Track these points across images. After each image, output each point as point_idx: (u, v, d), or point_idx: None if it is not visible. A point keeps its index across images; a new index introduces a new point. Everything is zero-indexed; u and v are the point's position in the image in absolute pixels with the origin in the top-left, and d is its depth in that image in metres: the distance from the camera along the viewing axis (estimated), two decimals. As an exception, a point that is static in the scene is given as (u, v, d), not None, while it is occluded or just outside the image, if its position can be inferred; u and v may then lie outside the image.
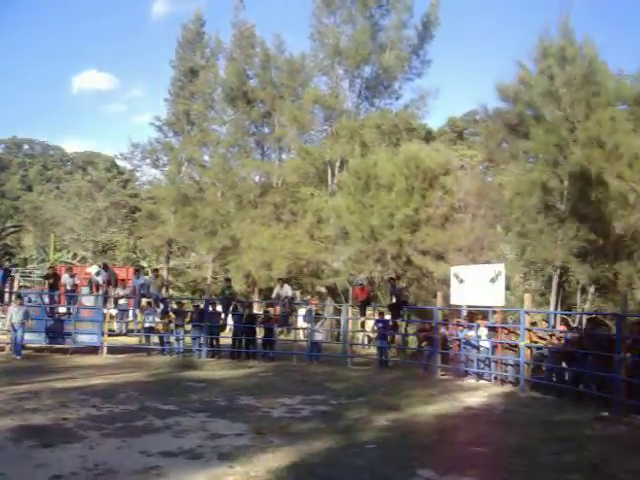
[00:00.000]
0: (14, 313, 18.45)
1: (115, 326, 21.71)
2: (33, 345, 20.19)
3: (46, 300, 20.90)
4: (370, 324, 20.93)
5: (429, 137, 42.21)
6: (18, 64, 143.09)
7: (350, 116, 33.59)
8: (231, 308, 21.00)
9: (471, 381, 15.62)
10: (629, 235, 24.35)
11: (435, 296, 19.61)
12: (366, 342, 23.46)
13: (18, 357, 18.09)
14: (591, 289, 27.43)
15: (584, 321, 18.16)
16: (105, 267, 22.12)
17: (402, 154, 28.51)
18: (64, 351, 19.68)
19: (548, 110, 25.98)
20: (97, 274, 21.60)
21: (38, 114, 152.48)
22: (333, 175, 33.42)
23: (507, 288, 20.92)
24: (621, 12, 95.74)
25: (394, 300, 19.09)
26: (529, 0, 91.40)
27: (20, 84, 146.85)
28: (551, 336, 14.88)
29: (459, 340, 16.78)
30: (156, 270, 24.68)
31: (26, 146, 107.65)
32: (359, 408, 11.34)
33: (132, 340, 21.83)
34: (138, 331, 21.74)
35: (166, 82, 42.07)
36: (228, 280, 23.56)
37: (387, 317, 19.64)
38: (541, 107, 26.10)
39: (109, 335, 20.58)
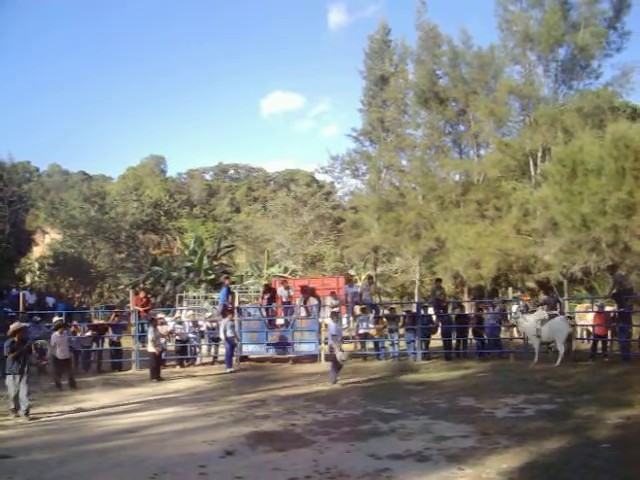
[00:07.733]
0: (227, 326, 19.28)
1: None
2: (255, 356, 21.30)
3: (264, 313, 21.98)
4: (588, 317, 19.87)
5: (634, 115, 39.23)
6: (214, 96, 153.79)
7: (548, 102, 32.18)
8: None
9: None
10: None
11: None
12: (585, 336, 22.20)
13: (229, 370, 18.87)
14: None
15: None
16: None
17: (609, 135, 26.77)
18: (284, 360, 20.55)
19: None
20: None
21: (238, 139, 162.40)
22: (535, 165, 32.22)
23: None
24: None
25: (615, 290, 17.80)
26: None
27: (216, 111, 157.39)
28: None
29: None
30: (370, 277, 25.12)
31: (231, 171, 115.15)
32: (587, 406, 10.72)
33: (348, 347, 22.32)
34: (353, 338, 22.16)
35: (353, 92, 43.29)
36: (439, 281, 23.00)
37: (608, 308, 18.54)
38: None
39: (325, 343, 21.16)
